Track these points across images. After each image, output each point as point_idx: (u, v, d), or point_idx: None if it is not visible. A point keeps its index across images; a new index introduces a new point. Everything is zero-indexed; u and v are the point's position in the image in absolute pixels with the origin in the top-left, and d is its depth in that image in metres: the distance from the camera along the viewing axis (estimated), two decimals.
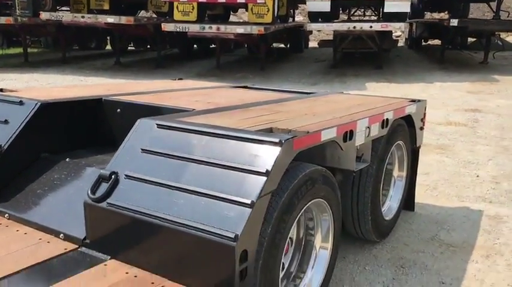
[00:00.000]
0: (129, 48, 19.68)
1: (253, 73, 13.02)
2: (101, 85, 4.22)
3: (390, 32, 14.76)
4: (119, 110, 3.20)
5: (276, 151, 2.09)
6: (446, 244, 3.60)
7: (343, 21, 16.31)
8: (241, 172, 2.07)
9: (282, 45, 18.57)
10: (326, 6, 12.81)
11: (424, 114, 3.97)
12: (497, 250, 3.52)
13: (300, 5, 19.69)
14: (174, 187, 2.13)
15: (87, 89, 3.87)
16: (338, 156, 2.86)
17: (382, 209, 3.58)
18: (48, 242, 2.40)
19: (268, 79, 11.91)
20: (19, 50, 16.58)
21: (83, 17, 12.46)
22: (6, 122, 2.88)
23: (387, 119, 3.17)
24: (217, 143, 2.22)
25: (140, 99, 3.30)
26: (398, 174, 3.85)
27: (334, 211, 2.70)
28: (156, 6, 15.12)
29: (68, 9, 14.75)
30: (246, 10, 13.07)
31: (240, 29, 11.30)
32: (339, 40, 13.32)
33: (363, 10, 21.73)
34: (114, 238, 2.23)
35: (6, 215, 2.62)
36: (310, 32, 19.65)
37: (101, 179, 2.29)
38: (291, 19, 18.96)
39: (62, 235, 2.41)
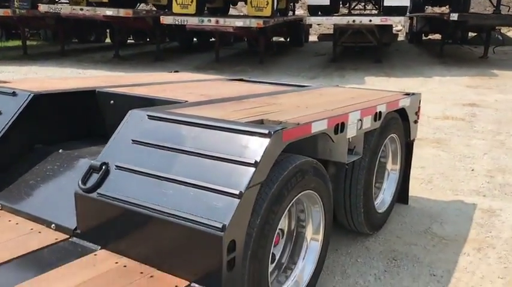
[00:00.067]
0: (128, 41, 19.66)
1: (252, 67, 13.01)
2: (95, 77, 4.22)
3: (390, 26, 14.74)
4: (112, 101, 3.20)
5: (265, 142, 2.10)
6: (438, 236, 3.61)
7: (343, 15, 16.26)
8: (230, 162, 2.08)
9: (282, 39, 18.55)
10: (326, 0, 12.80)
11: (419, 107, 3.96)
12: (489, 243, 3.53)
13: None
14: (163, 177, 2.14)
15: (82, 81, 3.88)
16: (330, 148, 2.87)
17: (375, 202, 3.59)
18: (40, 232, 2.41)
19: (267, 73, 11.90)
20: (18, 42, 16.58)
21: (81, 9, 12.42)
22: None
23: (380, 112, 3.17)
24: (207, 134, 2.23)
25: (134, 91, 3.30)
26: (392, 167, 3.86)
27: (325, 202, 2.71)
28: None
29: (67, 1, 14.71)
30: (246, 3, 13.04)
31: (238, 22, 11.28)
32: (338, 34, 13.29)
33: (363, 4, 21.64)
34: (104, 228, 2.25)
35: None
36: (310, 26, 19.62)
37: (91, 169, 2.30)
38: (291, 13, 18.91)
39: (53, 225, 2.42)
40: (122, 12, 12.15)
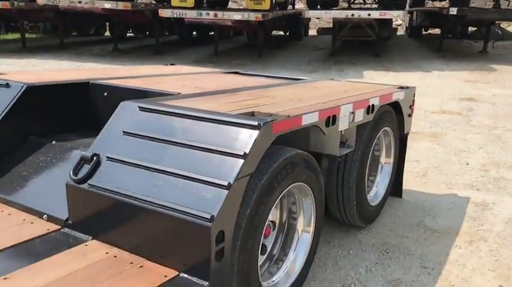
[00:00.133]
0: (128, 34, 19.63)
1: (251, 60, 13.00)
2: (90, 70, 4.22)
3: (389, 20, 14.72)
4: (105, 93, 3.22)
5: (255, 134, 2.11)
6: (431, 229, 3.64)
7: (342, 8, 16.22)
8: (220, 154, 2.09)
9: (281, 33, 18.51)
10: None
11: (413, 101, 3.97)
12: (481, 236, 3.55)
13: None
14: (154, 169, 2.15)
15: (76, 73, 3.89)
16: (321, 141, 2.88)
17: (368, 195, 3.61)
18: (32, 222, 2.43)
19: (266, 66, 11.90)
20: (17, 35, 16.57)
21: (79, 2, 12.38)
22: None
23: (373, 105, 3.18)
24: (198, 126, 2.24)
25: (128, 83, 3.31)
26: (386, 160, 3.88)
27: (317, 195, 2.72)
28: None
29: None
30: None
31: (237, 16, 11.26)
32: (337, 28, 13.28)
33: None
34: (95, 218, 2.27)
35: None
36: (309, 20, 19.56)
37: (82, 160, 2.32)
38: (290, 6, 18.87)
39: (45, 215, 2.44)
40: (121, 5, 12.13)
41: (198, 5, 12.36)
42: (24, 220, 2.45)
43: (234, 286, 2.15)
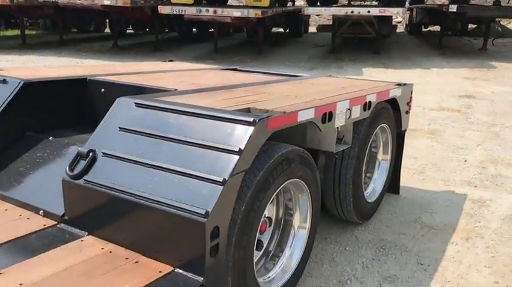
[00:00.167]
0: (128, 31, 19.61)
1: (250, 57, 13.00)
2: (88, 66, 4.23)
3: (389, 18, 14.71)
4: (103, 90, 3.22)
5: (250, 130, 2.11)
6: (428, 226, 3.64)
7: (342, 5, 16.19)
8: (215, 150, 2.09)
9: (281, 30, 18.49)
10: None
11: (411, 98, 3.97)
12: (477, 232, 3.56)
13: None
14: (149, 164, 2.16)
15: (74, 70, 3.89)
16: (318, 138, 2.88)
17: (365, 192, 3.62)
18: (28, 218, 2.44)
19: (266, 63, 11.90)
20: (17, 31, 16.56)
21: None
22: None
23: (369, 101, 3.18)
24: (193, 122, 2.25)
25: (125, 79, 3.31)
26: (383, 157, 3.88)
27: (313, 191, 2.73)
28: None
29: None
30: None
31: (236, 13, 11.25)
32: (337, 25, 13.27)
33: None
34: (91, 214, 2.27)
35: None
36: (309, 17, 19.53)
37: (78, 156, 2.32)
38: (290, 3, 18.84)
39: (41, 211, 2.44)
40: (120, 2, 12.11)
41: (197, 2, 12.34)
42: (20, 215, 2.46)
43: (229, 281, 2.16)
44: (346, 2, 19.61)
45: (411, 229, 3.60)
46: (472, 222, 3.72)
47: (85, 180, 2.24)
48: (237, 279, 2.20)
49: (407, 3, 13.62)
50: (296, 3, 20.93)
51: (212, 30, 15.96)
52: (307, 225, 2.78)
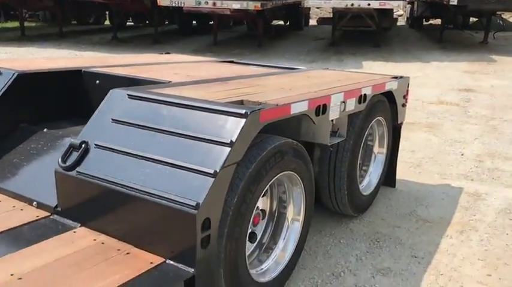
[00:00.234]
0: (128, 23, 19.56)
1: (250, 50, 12.97)
2: (84, 58, 4.22)
3: (390, 11, 14.62)
4: (97, 81, 3.21)
5: (241, 122, 2.11)
6: (422, 219, 3.65)
7: None
8: (207, 142, 2.09)
9: (281, 23, 18.43)
10: None
11: (407, 91, 3.96)
12: (472, 225, 3.57)
13: None
14: (141, 156, 2.16)
15: (69, 61, 3.88)
16: (312, 130, 2.88)
17: (361, 185, 3.62)
18: (22, 209, 2.44)
19: (265, 56, 11.87)
20: (16, 23, 16.50)
21: None
22: None
23: (365, 94, 3.17)
24: (185, 114, 2.24)
25: (120, 71, 3.31)
26: (379, 150, 3.88)
27: (306, 184, 2.73)
28: None
29: None
30: None
31: (236, 5, 11.21)
32: (337, 18, 13.22)
33: None
34: (83, 205, 2.27)
35: None
36: (309, 9, 19.46)
37: (71, 148, 2.32)
38: None
39: (35, 203, 2.45)
40: None
41: None
42: (14, 206, 2.46)
43: (221, 273, 2.17)
44: None
45: (406, 222, 3.60)
46: (467, 215, 3.73)
47: (77, 171, 2.24)
48: (229, 270, 2.21)
49: None
50: None
51: (212, 22, 15.93)
52: (301, 217, 2.79)
